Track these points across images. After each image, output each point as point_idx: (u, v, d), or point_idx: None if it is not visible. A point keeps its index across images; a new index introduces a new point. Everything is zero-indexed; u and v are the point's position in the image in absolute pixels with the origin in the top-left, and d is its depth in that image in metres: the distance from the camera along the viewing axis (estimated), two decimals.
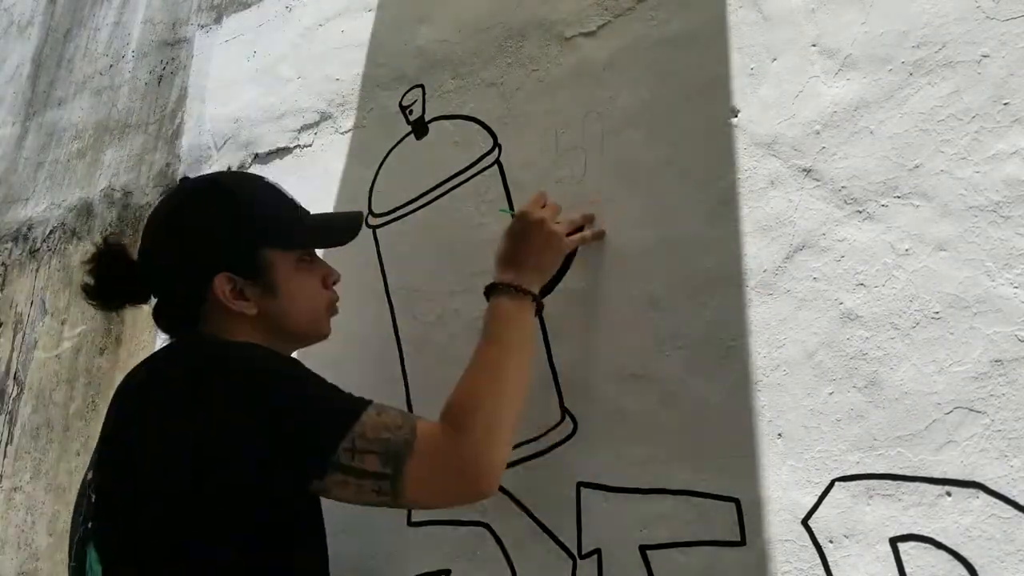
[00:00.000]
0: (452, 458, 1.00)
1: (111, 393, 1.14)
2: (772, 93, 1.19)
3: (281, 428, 0.97)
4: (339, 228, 1.29)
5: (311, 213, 1.28)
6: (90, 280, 1.18)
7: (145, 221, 1.21)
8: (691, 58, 1.27)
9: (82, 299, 1.20)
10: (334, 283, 1.28)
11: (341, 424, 0.99)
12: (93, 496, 1.07)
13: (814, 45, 1.16)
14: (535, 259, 1.20)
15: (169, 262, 1.16)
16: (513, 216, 1.25)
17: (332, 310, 1.27)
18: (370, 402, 1.03)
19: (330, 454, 0.97)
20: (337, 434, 0.98)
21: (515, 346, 1.13)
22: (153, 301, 1.21)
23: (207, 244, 1.14)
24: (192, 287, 1.13)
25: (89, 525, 1.07)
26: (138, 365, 1.15)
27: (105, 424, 1.12)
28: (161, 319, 1.19)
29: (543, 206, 1.26)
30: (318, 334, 1.25)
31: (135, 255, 1.19)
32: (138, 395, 1.08)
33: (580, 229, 1.29)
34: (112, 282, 1.18)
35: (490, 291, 1.19)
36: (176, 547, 0.97)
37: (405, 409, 1.32)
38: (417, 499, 1.04)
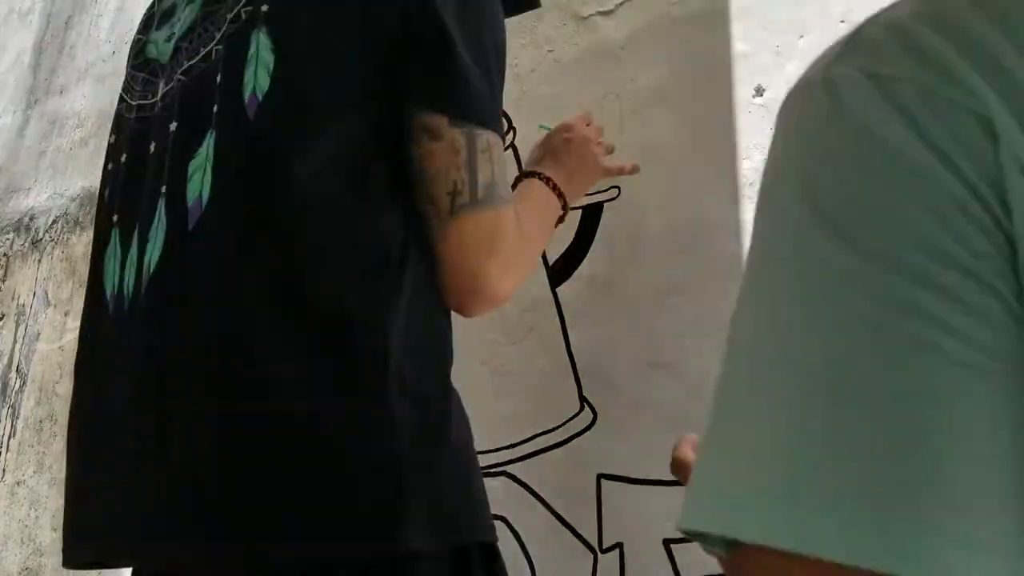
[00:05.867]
0: (505, 248, 0.88)
1: None
2: (800, 71, 1.14)
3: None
4: None
5: None
6: None
7: None
8: (714, 36, 1.24)
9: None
10: None
11: (496, 115, 0.89)
12: None
13: (843, 21, 1.13)
14: (571, 173, 1.08)
15: None
16: (550, 130, 1.14)
17: None
18: None
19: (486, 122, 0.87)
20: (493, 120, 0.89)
21: (548, 229, 1.05)
22: None
23: None
24: None
25: None
26: None
27: None
28: None
29: (588, 124, 1.15)
30: None
31: None
32: None
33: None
34: None
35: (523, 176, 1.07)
36: None
37: None
38: (458, 236, 0.87)
